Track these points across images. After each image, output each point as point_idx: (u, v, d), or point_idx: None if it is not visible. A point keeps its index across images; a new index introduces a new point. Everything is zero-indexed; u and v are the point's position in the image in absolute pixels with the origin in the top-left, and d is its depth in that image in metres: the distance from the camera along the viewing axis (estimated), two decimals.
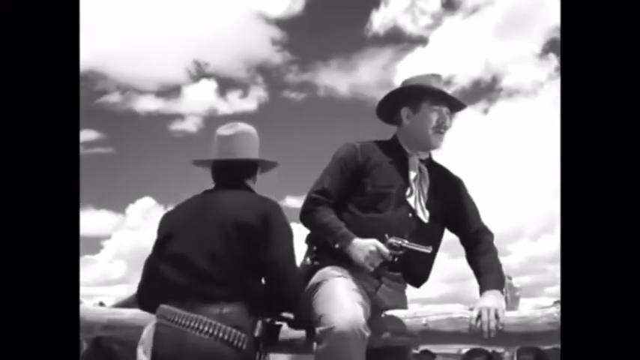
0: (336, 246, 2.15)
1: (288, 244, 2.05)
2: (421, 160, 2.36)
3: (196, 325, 1.86)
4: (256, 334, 1.93)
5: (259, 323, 1.95)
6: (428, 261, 2.32)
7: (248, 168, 2.21)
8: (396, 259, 2.10)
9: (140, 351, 1.93)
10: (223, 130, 2.22)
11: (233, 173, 2.19)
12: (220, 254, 1.96)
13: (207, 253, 1.97)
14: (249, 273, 1.99)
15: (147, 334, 1.94)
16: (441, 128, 2.31)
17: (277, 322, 2.07)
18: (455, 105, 2.36)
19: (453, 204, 2.38)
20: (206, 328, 1.85)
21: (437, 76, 2.36)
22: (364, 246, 2.09)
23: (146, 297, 2.10)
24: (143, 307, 2.16)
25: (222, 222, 2.01)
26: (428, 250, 2.11)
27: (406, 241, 2.10)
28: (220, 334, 1.85)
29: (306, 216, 2.24)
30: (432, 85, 2.31)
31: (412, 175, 2.30)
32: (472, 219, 2.40)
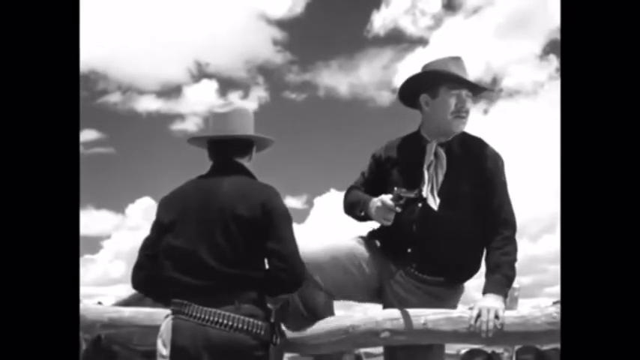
0: (362, 214, 2.28)
1: (289, 231, 2.10)
2: (440, 145, 2.30)
3: (214, 318, 1.95)
4: (272, 319, 2.04)
5: (273, 310, 2.05)
6: (446, 249, 2.24)
7: (244, 145, 2.24)
8: (399, 209, 2.11)
9: (159, 343, 2.00)
10: (218, 108, 2.26)
11: (229, 151, 2.21)
12: (225, 248, 2.01)
13: (212, 248, 2.01)
14: (255, 262, 2.05)
15: (165, 327, 2.01)
16: (461, 112, 2.27)
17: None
18: (474, 88, 2.31)
19: (478, 187, 2.25)
20: (224, 321, 1.95)
21: (456, 59, 2.30)
22: (373, 203, 2.18)
23: (152, 288, 2.16)
24: (147, 295, 2.22)
25: (223, 213, 2.04)
26: (413, 194, 2.09)
27: (404, 190, 2.10)
28: (238, 325, 1.94)
29: (343, 204, 2.41)
30: (448, 70, 2.26)
31: (426, 162, 2.27)
32: (494, 208, 2.24)
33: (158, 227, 2.16)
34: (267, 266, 2.08)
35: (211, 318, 1.95)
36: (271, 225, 2.05)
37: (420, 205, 2.22)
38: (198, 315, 1.96)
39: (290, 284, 2.08)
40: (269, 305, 2.08)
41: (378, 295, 2.35)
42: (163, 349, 1.98)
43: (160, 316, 2.37)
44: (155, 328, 2.40)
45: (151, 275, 2.12)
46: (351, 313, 2.27)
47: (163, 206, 2.19)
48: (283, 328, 2.16)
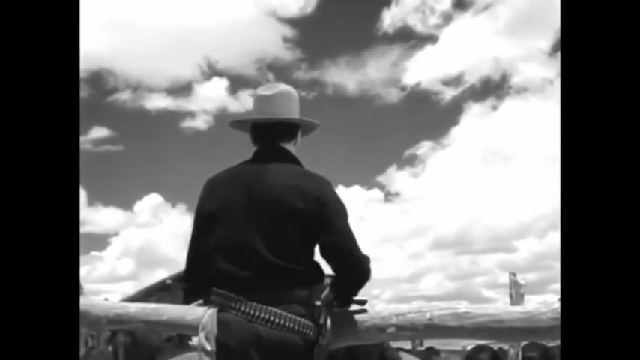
0: None
1: (346, 222, 2.01)
2: None
3: (265, 315, 1.85)
4: (321, 321, 1.95)
5: (323, 311, 1.96)
6: None
7: (290, 129, 2.13)
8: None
9: (202, 336, 1.89)
10: (263, 90, 2.13)
11: (275, 135, 2.10)
12: (281, 241, 1.92)
13: (268, 241, 1.92)
14: (307, 259, 1.98)
15: (208, 319, 1.89)
16: None
17: (352, 308, 2.09)
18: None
19: None
20: (275, 319, 1.85)
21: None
22: None
23: (199, 285, 2.05)
24: (192, 292, 2.13)
25: (277, 205, 1.94)
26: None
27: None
28: (289, 324, 1.86)
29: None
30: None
31: None
32: None
33: (203, 217, 2.06)
34: (323, 263, 2.01)
35: (262, 315, 1.84)
36: (328, 219, 1.96)
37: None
38: (248, 310, 1.85)
39: (361, 278, 2.00)
40: (322, 309, 1.98)
41: None
42: (207, 344, 1.87)
43: (166, 311, 2.38)
44: (161, 324, 2.41)
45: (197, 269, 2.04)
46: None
47: (208, 194, 2.09)
48: (328, 327, 2.03)
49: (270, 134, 2.10)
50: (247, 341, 1.83)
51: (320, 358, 1.95)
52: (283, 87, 2.16)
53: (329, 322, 2.00)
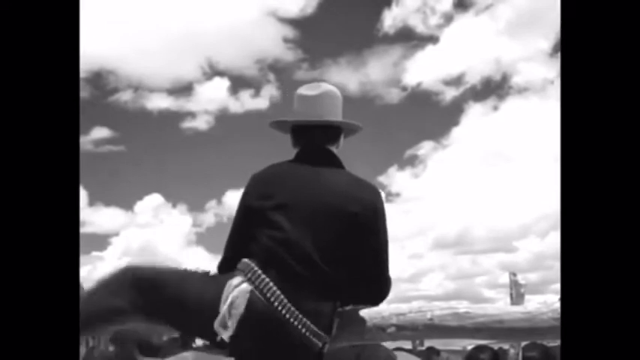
0: None
1: (386, 233, 1.99)
2: None
3: (289, 316, 1.76)
4: (333, 332, 1.88)
5: (336, 322, 1.90)
6: None
7: (333, 132, 2.06)
8: None
9: (225, 310, 1.78)
10: (307, 90, 2.06)
11: (319, 137, 2.04)
12: (331, 248, 1.86)
13: (318, 243, 1.84)
14: (348, 271, 1.90)
15: (239, 295, 1.79)
16: None
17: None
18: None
19: None
20: (298, 324, 1.76)
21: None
22: None
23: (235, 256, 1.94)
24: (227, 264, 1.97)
25: (333, 209, 1.88)
26: None
27: None
28: (308, 333, 1.77)
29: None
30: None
31: None
32: None
33: (248, 209, 1.97)
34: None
35: (287, 314, 1.76)
36: (377, 227, 1.94)
37: None
38: (277, 306, 1.75)
39: (381, 289, 2.00)
40: (336, 320, 1.91)
41: None
42: (228, 320, 1.77)
43: None
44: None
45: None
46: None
47: (256, 189, 1.99)
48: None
49: (314, 136, 2.04)
50: (265, 329, 1.76)
51: None
52: (328, 87, 2.09)
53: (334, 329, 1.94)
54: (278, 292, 1.78)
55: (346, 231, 1.88)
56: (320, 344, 1.82)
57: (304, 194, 1.92)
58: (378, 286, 2.00)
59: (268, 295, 1.78)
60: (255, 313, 1.76)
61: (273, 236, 1.87)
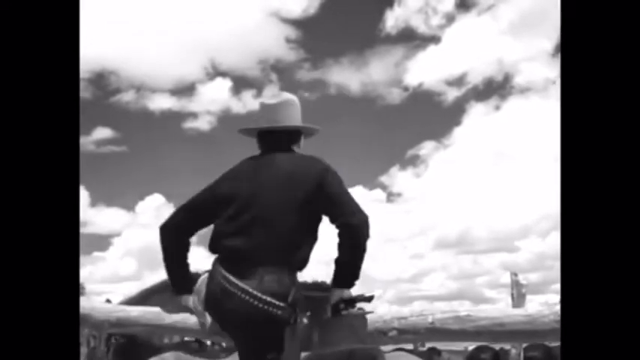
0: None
1: (341, 185, 2.14)
2: None
3: (239, 290, 1.97)
4: (289, 299, 2.01)
5: (293, 290, 2.04)
6: None
7: (293, 135, 2.31)
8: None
9: (195, 299, 2.11)
10: (268, 99, 2.32)
11: (279, 140, 2.28)
12: (273, 217, 2.06)
13: (260, 215, 2.06)
14: (299, 229, 2.08)
15: (201, 284, 2.10)
16: None
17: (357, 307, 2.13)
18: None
19: None
20: (245, 297, 1.96)
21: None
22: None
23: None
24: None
25: (279, 183, 2.11)
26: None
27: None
28: (257, 303, 1.95)
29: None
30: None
31: None
32: None
33: (216, 196, 2.21)
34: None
35: (234, 288, 1.98)
36: (326, 183, 2.10)
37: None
38: (226, 285, 2.00)
39: (362, 228, 2.07)
40: (293, 288, 2.06)
41: None
42: (199, 305, 2.10)
43: (167, 315, 2.38)
44: (161, 328, 2.42)
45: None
46: None
47: (222, 181, 2.25)
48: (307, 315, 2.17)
49: (277, 141, 2.28)
50: (222, 309, 2.01)
51: (292, 339, 2.03)
52: (286, 96, 2.36)
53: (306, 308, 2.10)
54: (224, 271, 2.03)
55: (297, 197, 2.08)
56: (276, 311, 1.96)
57: (253, 179, 2.18)
58: (355, 220, 2.07)
59: (218, 277, 2.04)
60: (211, 294, 2.05)
61: (221, 227, 2.13)
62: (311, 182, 2.10)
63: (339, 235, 2.07)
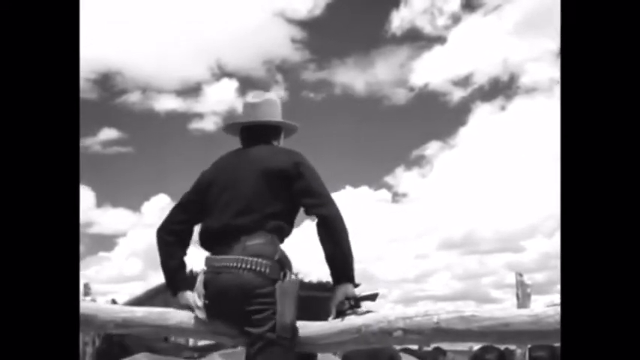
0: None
1: (314, 177, 2.28)
2: None
3: (225, 264, 2.13)
4: (276, 257, 2.14)
5: (279, 248, 2.18)
6: None
7: (273, 131, 2.51)
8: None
9: (195, 296, 2.26)
10: (250, 98, 2.50)
11: (259, 135, 2.47)
12: (247, 193, 2.24)
13: (237, 195, 2.25)
14: (273, 202, 2.22)
15: (199, 281, 2.24)
16: None
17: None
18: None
19: None
20: (232, 264, 2.11)
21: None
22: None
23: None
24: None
25: (254, 166, 2.29)
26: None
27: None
28: (244, 265, 2.10)
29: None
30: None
31: None
32: None
33: (198, 184, 2.44)
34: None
35: (223, 265, 2.14)
36: (301, 174, 2.25)
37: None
38: (215, 265, 2.17)
39: (336, 218, 2.18)
40: (279, 246, 2.19)
41: None
42: (199, 302, 2.23)
43: (172, 315, 2.38)
44: (167, 328, 2.42)
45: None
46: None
47: (204, 173, 2.47)
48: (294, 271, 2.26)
49: (256, 135, 2.47)
50: (219, 293, 2.14)
51: (284, 296, 2.08)
52: (268, 95, 2.53)
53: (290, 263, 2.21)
54: (212, 256, 2.22)
55: (269, 181, 2.25)
56: (264, 269, 2.09)
57: (230, 167, 2.38)
58: (326, 211, 2.18)
59: (208, 264, 2.22)
60: (208, 285, 2.20)
61: (205, 217, 2.33)
62: (286, 167, 2.25)
63: (317, 227, 2.17)
